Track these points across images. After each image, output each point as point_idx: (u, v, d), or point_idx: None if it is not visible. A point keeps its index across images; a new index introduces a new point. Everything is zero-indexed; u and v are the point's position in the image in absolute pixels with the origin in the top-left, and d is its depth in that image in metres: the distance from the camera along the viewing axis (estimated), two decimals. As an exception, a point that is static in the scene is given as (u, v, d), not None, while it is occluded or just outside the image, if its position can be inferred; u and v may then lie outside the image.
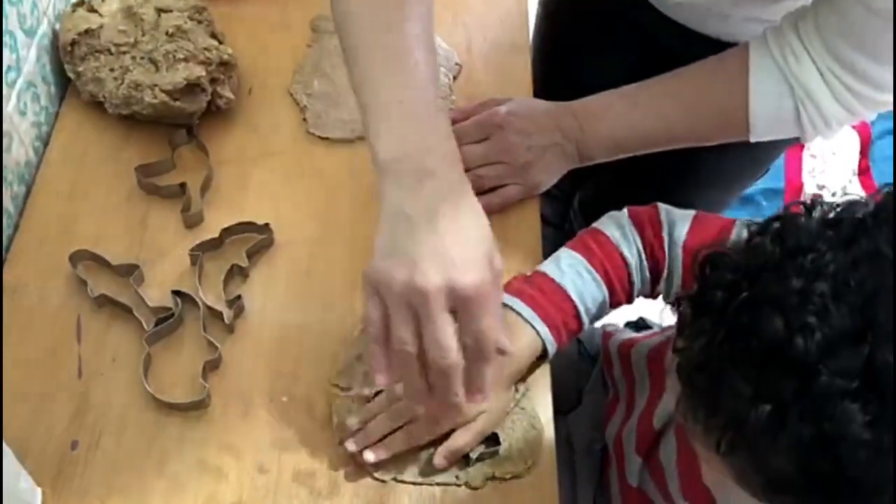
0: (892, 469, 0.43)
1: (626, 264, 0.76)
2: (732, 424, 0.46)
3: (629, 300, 0.78)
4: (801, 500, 0.47)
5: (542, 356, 0.75)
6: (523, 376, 0.75)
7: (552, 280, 0.75)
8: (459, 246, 0.60)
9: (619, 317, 1.26)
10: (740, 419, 0.45)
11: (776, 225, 0.49)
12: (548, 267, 0.76)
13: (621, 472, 0.81)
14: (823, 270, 0.45)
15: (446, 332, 0.59)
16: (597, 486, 0.86)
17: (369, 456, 0.69)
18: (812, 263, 0.46)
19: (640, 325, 0.98)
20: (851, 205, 0.49)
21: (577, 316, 0.75)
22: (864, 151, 1.91)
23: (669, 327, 0.84)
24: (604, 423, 0.86)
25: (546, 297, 0.74)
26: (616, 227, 0.77)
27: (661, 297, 0.79)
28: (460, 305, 0.60)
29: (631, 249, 0.76)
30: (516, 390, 0.74)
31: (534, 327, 0.73)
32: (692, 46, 0.86)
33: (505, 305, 0.72)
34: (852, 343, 0.43)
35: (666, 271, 0.76)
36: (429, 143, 0.63)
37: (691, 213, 0.77)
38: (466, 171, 0.83)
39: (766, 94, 0.77)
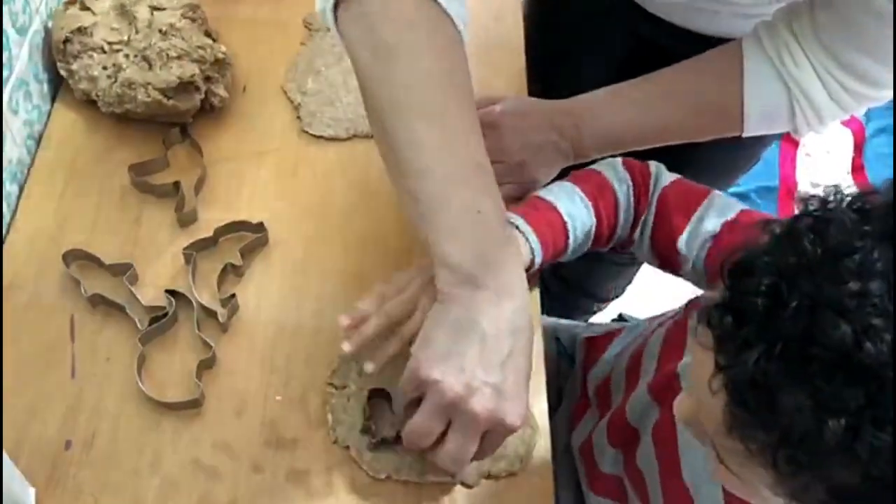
0: (893, 469, 0.43)
1: (616, 198, 0.77)
2: (794, 440, 0.44)
3: (611, 237, 0.79)
4: None
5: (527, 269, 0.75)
6: None
7: (545, 200, 0.76)
8: (518, 381, 0.63)
9: (605, 317, 1.27)
10: (804, 434, 0.43)
11: (806, 222, 0.47)
12: (541, 191, 0.78)
13: (591, 466, 0.81)
14: (874, 269, 0.44)
15: (468, 451, 0.63)
16: (576, 486, 0.86)
17: (369, 367, 0.69)
18: (861, 264, 0.44)
19: (619, 321, 0.98)
20: (864, 196, 0.48)
21: (566, 234, 0.75)
22: (858, 150, 1.92)
23: (643, 324, 0.85)
24: (570, 429, 0.86)
25: (539, 213, 0.75)
26: (610, 168, 0.79)
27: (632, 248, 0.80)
28: (492, 432, 0.63)
29: (621, 187, 0.77)
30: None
31: (527, 239, 0.73)
32: (681, 43, 0.86)
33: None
34: None
35: (644, 216, 0.78)
36: (507, 260, 0.64)
37: (677, 175, 0.79)
38: None
39: (761, 91, 0.78)
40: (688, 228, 0.75)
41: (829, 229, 0.46)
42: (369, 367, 0.69)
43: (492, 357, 0.62)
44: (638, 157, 0.81)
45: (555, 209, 0.75)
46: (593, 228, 0.77)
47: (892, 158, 1.68)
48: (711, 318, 0.48)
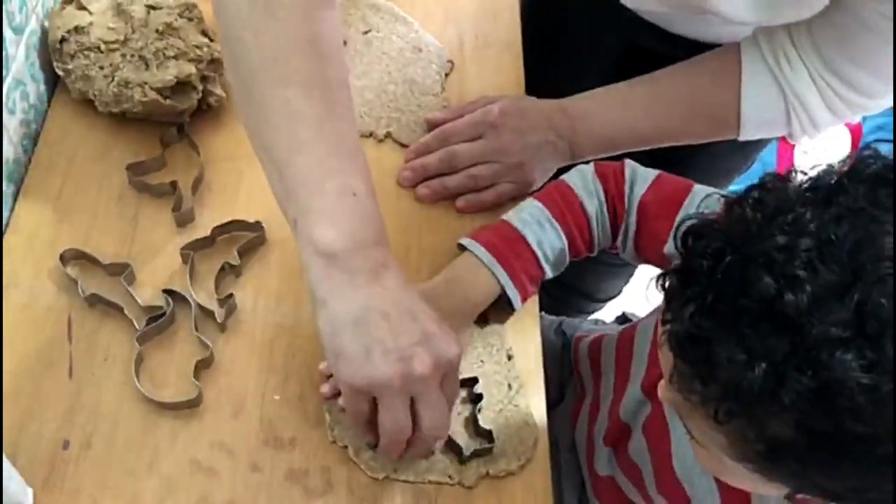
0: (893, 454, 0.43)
1: (587, 215, 0.77)
2: (729, 391, 0.46)
3: (590, 250, 0.79)
4: (802, 464, 0.47)
5: (507, 304, 0.76)
6: (518, 377, 0.76)
7: (513, 227, 0.76)
8: (434, 324, 0.63)
9: (608, 313, 1.27)
10: (736, 384, 0.45)
11: (755, 193, 0.50)
12: (510, 216, 0.78)
13: (590, 465, 0.81)
14: (806, 228, 0.45)
15: (445, 412, 0.64)
16: (580, 483, 0.86)
17: (423, 190, 0.82)
18: (793, 222, 0.46)
19: (624, 320, 0.99)
20: (826, 172, 0.50)
21: (538, 263, 0.76)
22: (856, 147, 1.92)
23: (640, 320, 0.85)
24: (572, 423, 0.86)
25: (506, 244, 0.75)
26: (580, 179, 0.78)
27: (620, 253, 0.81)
28: (446, 374, 0.63)
29: (592, 201, 0.77)
30: (510, 388, 0.74)
31: (492, 272, 0.74)
32: (676, 49, 0.86)
33: (466, 250, 0.76)
34: (841, 294, 0.43)
35: (624, 224, 0.77)
36: (379, 239, 0.63)
37: (655, 172, 0.78)
38: (460, 170, 0.83)
39: (758, 96, 0.78)
40: (672, 231, 0.74)
41: (770, 197, 0.49)
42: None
43: (401, 323, 0.61)
44: (629, 157, 0.81)
45: (522, 238, 0.76)
46: (566, 248, 0.77)
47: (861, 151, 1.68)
48: (661, 280, 0.51)
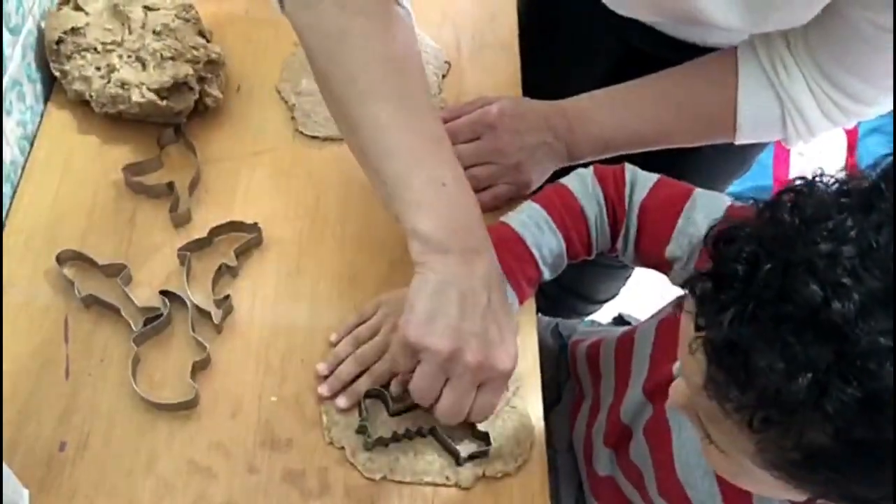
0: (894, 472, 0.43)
1: (585, 217, 0.77)
2: (768, 399, 0.45)
3: (588, 253, 0.79)
4: (838, 472, 0.46)
5: None
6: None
7: (511, 229, 0.77)
8: (501, 328, 0.67)
9: (605, 315, 1.27)
10: (776, 392, 0.44)
11: (788, 197, 0.49)
12: (508, 217, 0.78)
13: (589, 465, 0.81)
14: (847, 235, 0.45)
15: (464, 406, 0.67)
16: (578, 484, 0.86)
17: (341, 402, 0.72)
18: (834, 229, 0.45)
19: (620, 321, 0.99)
20: (852, 178, 0.49)
21: (536, 265, 0.76)
22: (851, 149, 1.93)
23: (639, 324, 0.85)
24: (570, 424, 0.86)
25: (504, 244, 0.75)
26: (579, 183, 0.79)
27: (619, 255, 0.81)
28: (488, 381, 0.67)
29: (591, 203, 0.77)
30: (506, 389, 0.74)
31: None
32: (673, 52, 0.86)
33: None
34: (886, 302, 0.43)
35: (624, 228, 0.77)
36: (472, 225, 0.68)
37: (655, 176, 0.78)
38: None
39: (754, 100, 0.79)
40: (673, 234, 0.74)
41: (807, 201, 0.48)
42: (342, 402, 0.72)
43: (473, 311, 0.65)
44: (627, 160, 0.81)
45: (521, 240, 0.76)
46: (564, 251, 0.77)
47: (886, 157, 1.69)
48: (694, 285, 0.50)
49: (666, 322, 0.76)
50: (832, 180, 0.49)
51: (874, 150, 1.89)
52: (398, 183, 0.67)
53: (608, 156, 0.85)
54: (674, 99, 0.83)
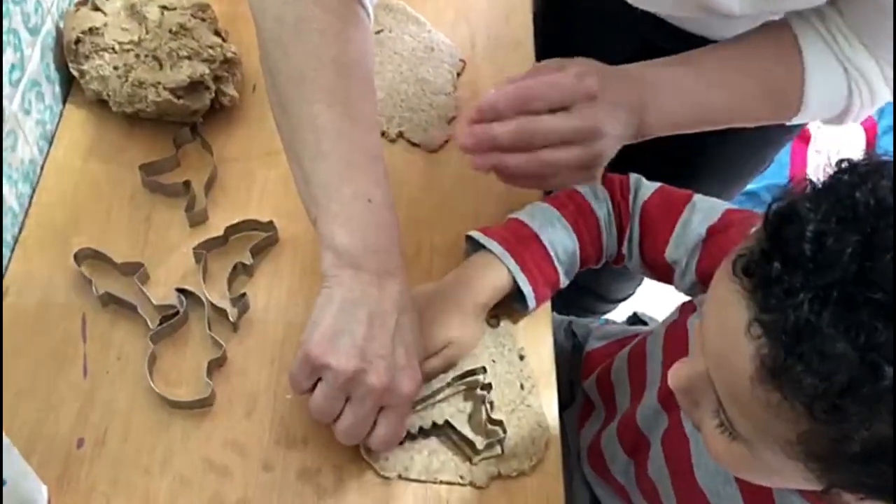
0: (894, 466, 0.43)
1: (596, 218, 0.77)
2: (840, 387, 0.42)
3: (599, 257, 0.79)
4: (892, 467, 0.44)
5: (520, 302, 0.76)
6: (531, 375, 0.76)
7: (524, 224, 0.76)
8: (409, 352, 0.65)
9: (619, 314, 1.26)
10: (851, 381, 0.42)
11: (852, 177, 0.46)
12: (521, 214, 0.78)
13: (602, 472, 0.81)
14: None
15: (366, 424, 0.65)
16: (591, 487, 0.86)
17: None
18: None
19: (635, 320, 0.98)
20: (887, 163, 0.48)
21: (551, 261, 0.75)
22: (869, 147, 1.91)
23: (645, 331, 0.85)
24: (577, 430, 0.86)
25: (518, 239, 0.75)
26: (588, 187, 0.78)
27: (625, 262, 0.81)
28: (390, 404, 0.65)
29: (601, 206, 0.77)
30: (522, 388, 0.74)
31: (505, 265, 0.74)
32: (687, 48, 0.85)
33: (480, 246, 0.76)
34: None
35: (628, 232, 0.77)
36: (391, 247, 0.66)
37: (657, 184, 0.78)
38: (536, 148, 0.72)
39: (822, 72, 0.75)
40: (673, 237, 0.75)
41: (880, 182, 0.45)
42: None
43: (381, 332, 0.64)
44: (649, 159, 0.81)
45: (536, 237, 0.75)
46: (577, 251, 0.77)
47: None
48: (751, 265, 0.46)
49: (673, 328, 0.76)
50: (883, 160, 0.47)
51: (891, 148, 1.88)
52: (325, 190, 0.66)
53: (674, 133, 0.77)
54: (747, 70, 0.76)
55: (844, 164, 0.48)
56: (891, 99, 0.76)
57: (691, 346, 0.70)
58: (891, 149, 0.74)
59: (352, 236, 0.64)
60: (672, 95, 0.75)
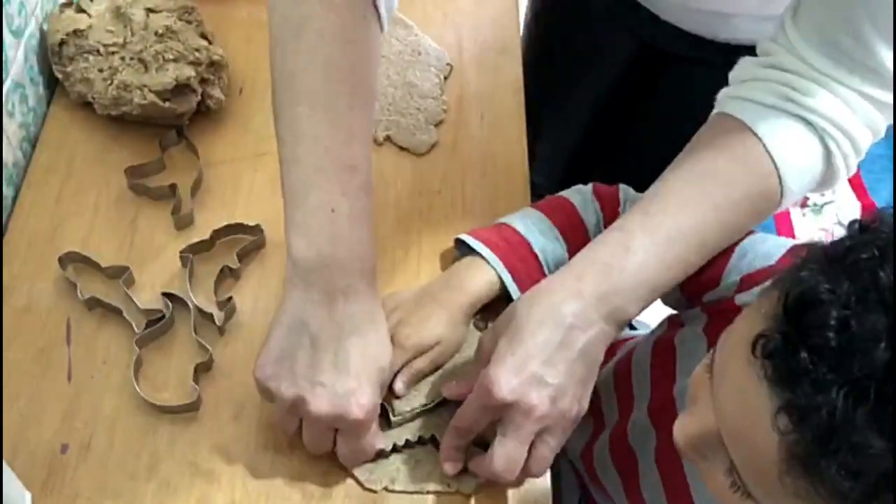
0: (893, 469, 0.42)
1: (585, 226, 0.77)
2: (876, 484, 0.41)
3: None
4: None
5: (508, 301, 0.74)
6: None
7: (515, 231, 0.76)
8: (358, 376, 0.63)
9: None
10: (886, 476, 0.41)
11: (865, 250, 0.44)
12: (511, 220, 0.77)
13: (593, 478, 0.81)
14: None
15: (324, 444, 0.66)
16: (581, 495, 0.86)
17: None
18: None
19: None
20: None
21: (541, 268, 0.75)
22: (859, 188, 1.92)
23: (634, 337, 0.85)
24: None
25: (507, 244, 0.75)
26: (578, 195, 0.79)
27: None
28: (344, 429, 0.65)
29: (589, 215, 0.78)
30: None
31: (494, 269, 0.74)
32: (687, 48, 0.85)
33: (469, 249, 0.75)
34: None
35: None
36: (349, 265, 0.64)
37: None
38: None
39: (785, 142, 0.65)
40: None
41: (885, 249, 0.43)
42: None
43: (321, 357, 0.63)
44: (625, 175, 0.80)
45: (525, 242, 0.75)
46: (566, 258, 0.76)
47: (888, 160, 1.68)
48: (774, 352, 0.44)
49: (661, 342, 0.76)
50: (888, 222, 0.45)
51: (872, 150, 1.88)
52: (292, 197, 0.64)
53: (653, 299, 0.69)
54: (708, 195, 0.66)
55: (856, 229, 0.46)
56: (869, 140, 0.67)
57: (680, 368, 0.70)
58: (874, 152, 0.72)
59: (308, 249, 0.63)
60: (631, 271, 0.65)
